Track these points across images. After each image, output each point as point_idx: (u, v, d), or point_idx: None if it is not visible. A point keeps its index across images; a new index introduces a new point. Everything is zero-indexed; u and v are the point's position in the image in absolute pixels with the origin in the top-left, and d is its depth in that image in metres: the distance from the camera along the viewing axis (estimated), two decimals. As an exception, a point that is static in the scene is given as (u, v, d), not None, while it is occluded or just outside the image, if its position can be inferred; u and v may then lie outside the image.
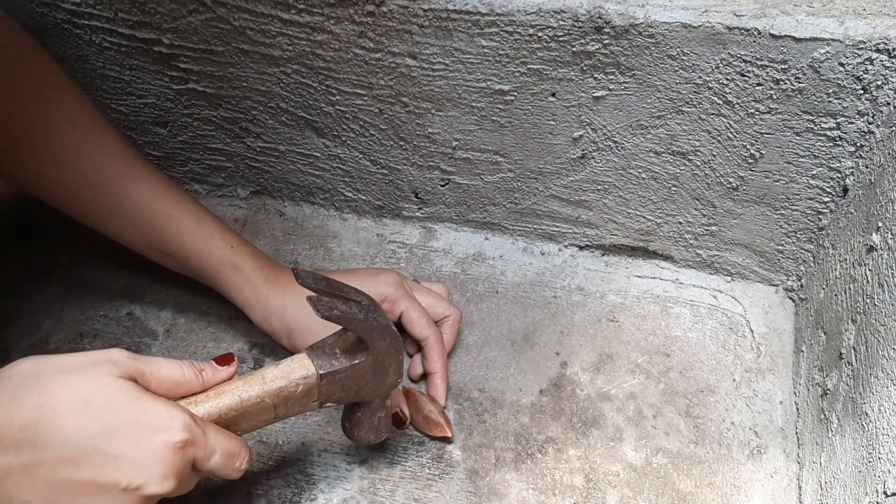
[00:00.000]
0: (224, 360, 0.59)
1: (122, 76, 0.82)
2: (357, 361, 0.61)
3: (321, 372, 0.60)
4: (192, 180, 0.94)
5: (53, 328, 0.83)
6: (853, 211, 0.69)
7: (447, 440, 0.74)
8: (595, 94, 0.71)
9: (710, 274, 0.86)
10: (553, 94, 0.72)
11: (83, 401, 0.48)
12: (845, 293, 0.68)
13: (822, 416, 0.68)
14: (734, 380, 0.78)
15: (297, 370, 0.60)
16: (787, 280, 0.83)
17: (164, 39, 0.77)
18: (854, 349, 0.64)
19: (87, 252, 0.88)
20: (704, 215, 0.79)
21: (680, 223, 0.81)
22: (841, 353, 0.66)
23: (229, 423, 0.58)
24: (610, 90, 0.70)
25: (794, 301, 0.83)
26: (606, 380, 0.79)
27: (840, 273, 0.70)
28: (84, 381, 0.49)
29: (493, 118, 0.76)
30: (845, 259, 0.69)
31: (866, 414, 0.60)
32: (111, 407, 0.49)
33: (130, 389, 0.51)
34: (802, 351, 0.77)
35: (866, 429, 0.59)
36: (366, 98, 0.77)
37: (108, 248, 0.78)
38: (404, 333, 0.76)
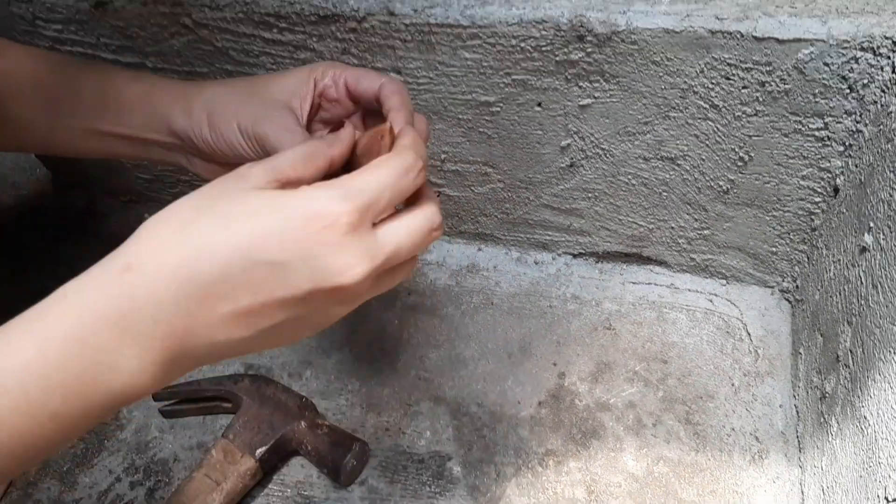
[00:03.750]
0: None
1: (108, 101, 0.82)
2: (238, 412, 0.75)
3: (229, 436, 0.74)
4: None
5: None
6: (844, 211, 0.68)
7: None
8: (581, 103, 0.70)
9: (705, 278, 0.85)
10: (539, 104, 0.72)
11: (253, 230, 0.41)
12: (840, 294, 0.68)
13: (822, 419, 0.68)
14: (733, 384, 0.78)
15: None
16: (783, 281, 0.82)
17: (147, 63, 0.77)
18: (850, 352, 0.63)
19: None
20: (696, 219, 0.78)
21: (672, 228, 0.80)
22: (838, 356, 0.66)
23: None
24: (595, 98, 0.70)
25: (790, 302, 0.82)
26: (605, 389, 0.78)
27: (834, 274, 0.70)
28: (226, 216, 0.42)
29: (481, 130, 0.75)
30: (839, 260, 0.69)
31: (865, 417, 0.59)
32: (269, 220, 0.42)
33: (275, 194, 0.43)
34: (800, 353, 0.76)
35: (866, 432, 0.59)
36: (352, 114, 0.77)
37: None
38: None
